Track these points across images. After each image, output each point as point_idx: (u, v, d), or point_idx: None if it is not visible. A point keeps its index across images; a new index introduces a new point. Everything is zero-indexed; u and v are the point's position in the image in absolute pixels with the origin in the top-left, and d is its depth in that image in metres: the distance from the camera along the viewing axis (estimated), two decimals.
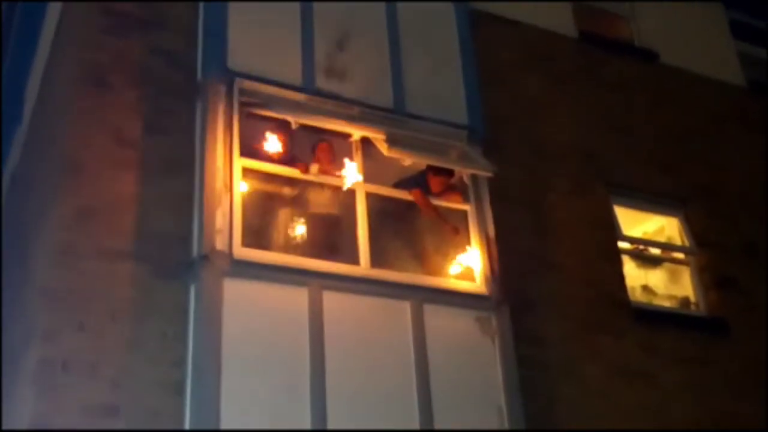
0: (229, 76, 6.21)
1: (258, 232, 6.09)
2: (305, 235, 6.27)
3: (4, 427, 6.09)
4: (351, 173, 6.34)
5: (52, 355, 5.26)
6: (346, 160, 6.43)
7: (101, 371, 5.32)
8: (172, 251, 5.80)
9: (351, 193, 6.35)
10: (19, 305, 6.76)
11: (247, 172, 6.06)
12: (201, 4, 6.65)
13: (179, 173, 6.04)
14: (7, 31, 9.25)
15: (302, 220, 6.29)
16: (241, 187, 5.96)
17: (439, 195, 6.73)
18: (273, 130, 6.41)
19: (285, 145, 6.44)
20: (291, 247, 6.14)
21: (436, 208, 6.64)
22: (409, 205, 6.62)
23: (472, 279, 6.48)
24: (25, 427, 5.14)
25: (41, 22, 8.66)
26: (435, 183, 6.72)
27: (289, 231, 6.23)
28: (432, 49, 7.31)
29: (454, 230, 6.59)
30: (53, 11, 8.02)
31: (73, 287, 5.47)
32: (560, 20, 8.91)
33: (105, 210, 5.76)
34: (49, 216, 5.93)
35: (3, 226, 9.28)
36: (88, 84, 6.14)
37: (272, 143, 6.31)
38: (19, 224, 7.98)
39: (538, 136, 7.98)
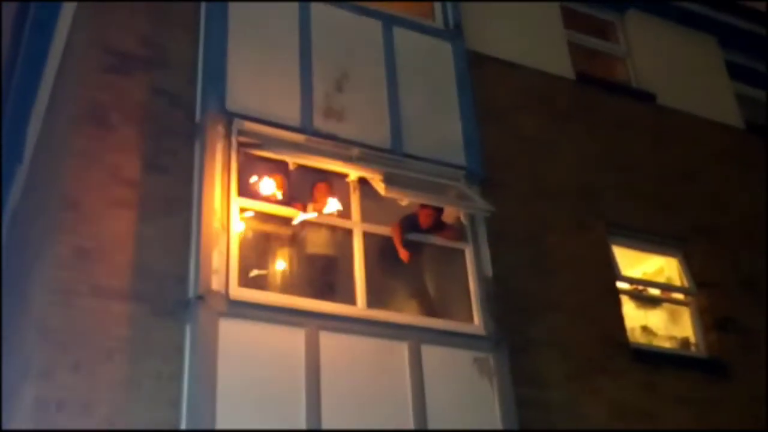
0: (228, 117, 6.26)
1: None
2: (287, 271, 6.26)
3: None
4: (331, 205, 6.35)
5: (47, 394, 5.23)
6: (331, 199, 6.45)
7: (96, 411, 5.29)
8: (169, 290, 5.79)
9: (348, 233, 6.36)
10: (17, 342, 6.74)
11: (244, 212, 6.07)
12: (201, 44, 6.72)
13: (177, 212, 6.06)
14: (10, 69, 9.33)
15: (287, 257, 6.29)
16: (239, 226, 5.97)
17: (429, 229, 6.70)
18: (271, 171, 6.44)
19: (283, 185, 6.47)
20: (288, 287, 6.13)
21: (400, 242, 6.56)
22: (407, 245, 6.62)
23: (470, 319, 6.46)
24: None
25: (44, 59, 8.74)
26: (423, 216, 6.72)
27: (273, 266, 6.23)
28: (430, 89, 7.38)
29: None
30: (56, 49, 8.11)
31: (69, 325, 5.46)
32: (557, 61, 8.98)
33: (102, 248, 5.77)
34: (46, 254, 5.94)
35: (3, 263, 9.28)
36: (87, 122, 6.19)
37: (266, 186, 6.32)
38: (18, 262, 7.98)
39: (536, 176, 8.00)
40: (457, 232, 6.82)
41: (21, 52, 9.10)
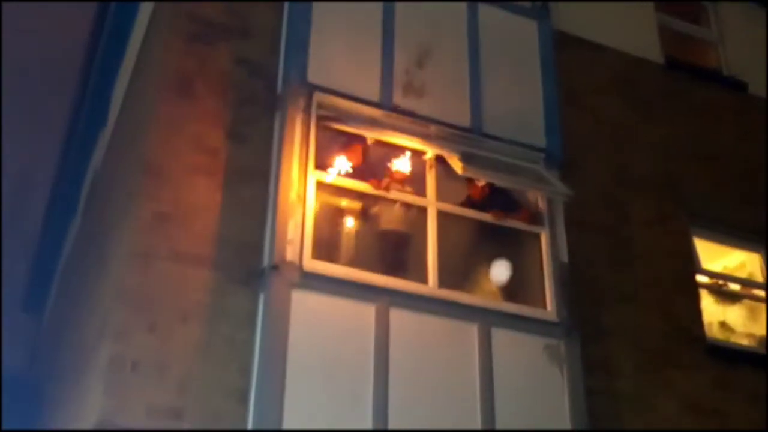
0: (309, 89, 6.26)
1: (328, 245, 6.10)
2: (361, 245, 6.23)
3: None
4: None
5: (122, 353, 5.35)
6: None
7: (169, 373, 5.40)
8: (245, 259, 5.85)
9: (422, 210, 6.32)
10: (92, 303, 6.92)
11: (320, 185, 6.09)
12: (285, 14, 6.73)
13: (256, 182, 6.11)
14: (98, 35, 9.51)
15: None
16: (314, 199, 5.99)
17: (480, 201, 6.59)
18: (349, 144, 6.43)
19: (361, 159, 6.45)
20: (360, 261, 6.12)
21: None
22: (482, 226, 6.55)
23: (543, 305, 6.36)
24: (92, 423, 5.24)
25: (131, 26, 8.89)
26: (473, 189, 6.63)
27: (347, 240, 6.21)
28: (513, 68, 7.25)
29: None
30: (143, 16, 8.23)
31: (147, 288, 5.57)
32: (646, 45, 8.73)
33: (182, 215, 5.85)
34: (127, 217, 6.06)
35: (84, 226, 9.53)
36: (171, 90, 6.27)
37: (342, 162, 6.29)
38: (98, 224, 8.19)
39: (618, 162, 7.82)
40: (533, 214, 6.70)
41: (108, 18, 9.26)
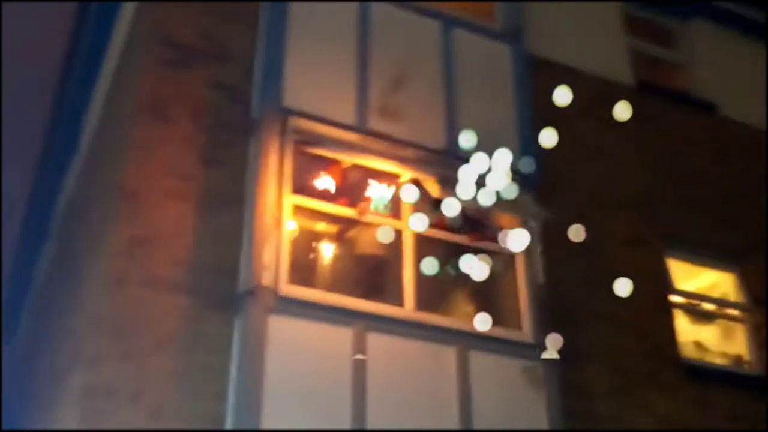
0: (284, 114, 6.27)
1: (304, 269, 6.09)
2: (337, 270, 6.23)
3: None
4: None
5: (95, 381, 5.29)
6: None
7: (143, 400, 5.34)
8: (220, 284, 5.82)
9: (398, 233, 6.33)
10: (66, 329, 6.84)
11: (296, 209, 6.08)
12: (260, 39, 6.74)
13: (231, 207, 6.09)
14: (71, 60, 9.47)
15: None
16: (291, 225, 5.97)
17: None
18: (326, 169, 6.43)
19: (337, 183, 6.46)
20: (337, 286, 6.11)
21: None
22: (457, 248, 6.56)
23: (519, 327, 6.37)
24: None
25: (105, 51, 8.86)
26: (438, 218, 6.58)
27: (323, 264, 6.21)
28: (487, 92, 7.30)
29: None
30: (117, 41, 8.21)
31: (121, 315, 5.52)
32: (617, 68, 8.83)
33: (157, 239, 5.82)
34: (101, 244, 6.01)
35: (58, 251, 9.43)
36: (147, 114, 6.25)
37: (324, 181, 6.30)
38: (71, 250, 8.11)
39: (593, 184, 7.87)
40: (495, 236, 6.68)
41: (82, 43, 9.22)
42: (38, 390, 7.99)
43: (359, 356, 5.57)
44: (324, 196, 6.45)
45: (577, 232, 5.36)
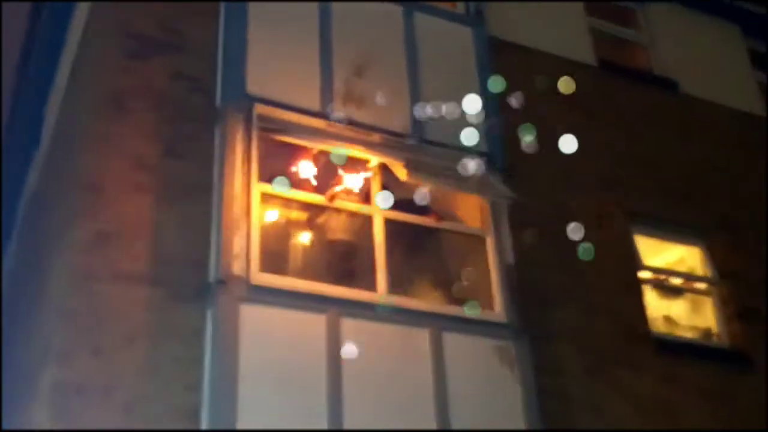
0: (248, 102, 6.21)
1: (275, 257, 6.05)
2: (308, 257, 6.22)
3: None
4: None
5: (66, 378, 5.22)
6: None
7: (115, 395, 5.27)
8: (189, 276, 5.76)
9: (368, 218, 6.31)
10: (34, 326, 6.72)
11: (264, 197, 6.03)
12: (221, 28, 6.67)
13: (198, 198, 6.02)
14: (27, 53, 9.31)
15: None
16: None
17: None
18: (296, 156, 6.41)
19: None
20: (309, 272, 6.09)
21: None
22: (428, 231, 6.57)
23: (491, 307, 6.40)
24: None
25: (62, 44, 8.71)
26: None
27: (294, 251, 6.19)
28: (451, 75, 7.29)
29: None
30: (74, 32, 8.07)
31: (90, 310, 5.44)
32: (579, 48, 8.89)
33: (123, 233, 5.74)
34: (66, 238, 5.91)
35: (20, 248, 9.28)
36: (108, 107, 6.16)
37: (305, 168, 6.25)
38: (35, 245, 7.97)
39: (558, 165, 7.88)
40: (437, 214, 6.70)
41: (38, 38, 9.07)
42: (9, 389, 7.86)
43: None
44: (293, 183, 6.44)
45: (575, 230, 5.40)
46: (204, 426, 5.27)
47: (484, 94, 7.25)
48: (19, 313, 7.57)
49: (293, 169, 6.26)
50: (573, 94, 8.41)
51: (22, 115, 9.86)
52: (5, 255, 11.05)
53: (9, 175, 10.54)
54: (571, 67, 8.63)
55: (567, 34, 8.95)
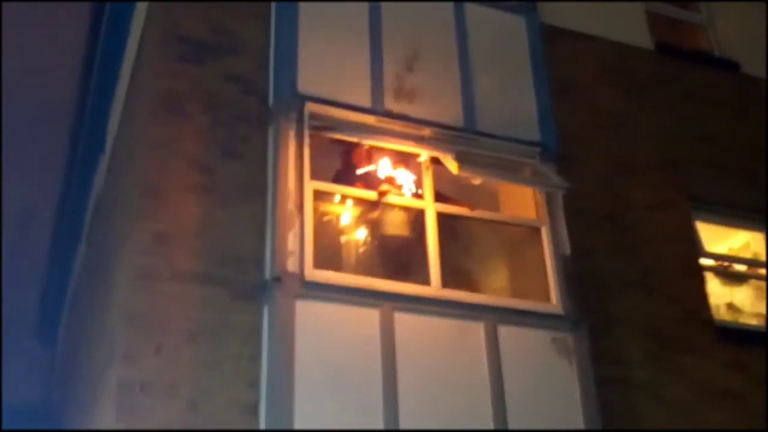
0: (300, 101, 6.28)
1: (329, 253, 6.12)
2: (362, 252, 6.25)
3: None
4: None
5: (131, 376, 5.37)
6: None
7: (179, 392, 5.40)
8: (247, 273, 5.87)
9: (421, 213, 6.34)
10: (100, 328, 6.95)
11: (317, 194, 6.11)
12: (272, 29, 6.76)
13: (253, 197, 6.12)
14: (90, 62, 9.56)
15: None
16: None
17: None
18: (346, 152, 6.47)
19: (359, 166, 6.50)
20: (363, 268, 6.14)
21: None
22: (480, 224, 6.56)
23: (547, 299, 6.36)
24: None
25: (122, 52, 8.94)
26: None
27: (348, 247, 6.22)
28: (503, 65, 7.26)
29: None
30: (133, 41, 8.28)
31: (152, 310, 5.58)
32: (635, 32, 8.74)
33: (181, 234, 5.87)
34: (128, 240, 6.09)
35: (89, 253, 9.55)
36: (164, 112, 6.29)
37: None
38: (102, 249, 8.23)
39: (616, 151, 7.82)
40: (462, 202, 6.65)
41: (99, 47, 9.31)
42: (80, 389, 8.14)
43: None
44: (345, 179, 6.50)
45: None
46: (262, 422, 5.36)
47: (536, 85, 7.22)
48: (85, 319, 7.82)
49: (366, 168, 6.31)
50: (630, 78, 8.32)
51: (86, 122, 10.13)
52: (74, 262, 11.41)
53: (77, 182, 10.87)
54: (627, 52, 8.52)
55: (623, 17, 8.80)
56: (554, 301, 6.34)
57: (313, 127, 6.25)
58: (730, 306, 7.75)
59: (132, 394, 5.32)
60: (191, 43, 6.57)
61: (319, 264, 5.81)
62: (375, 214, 6.42)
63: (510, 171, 6.66)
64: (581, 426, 5.90)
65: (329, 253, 6.18)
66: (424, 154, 6.55)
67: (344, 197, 6.41)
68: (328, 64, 6.61)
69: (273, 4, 6.88)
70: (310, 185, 6.05)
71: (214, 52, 6.60)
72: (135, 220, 5.99)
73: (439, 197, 6.46)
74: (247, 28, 6.80)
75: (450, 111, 6.82)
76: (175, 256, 5.79)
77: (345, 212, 6.44)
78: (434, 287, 6.02)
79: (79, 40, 9.73)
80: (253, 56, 6.70)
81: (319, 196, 6.15)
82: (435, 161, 6.56)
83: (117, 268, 6.48)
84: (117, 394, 5.33)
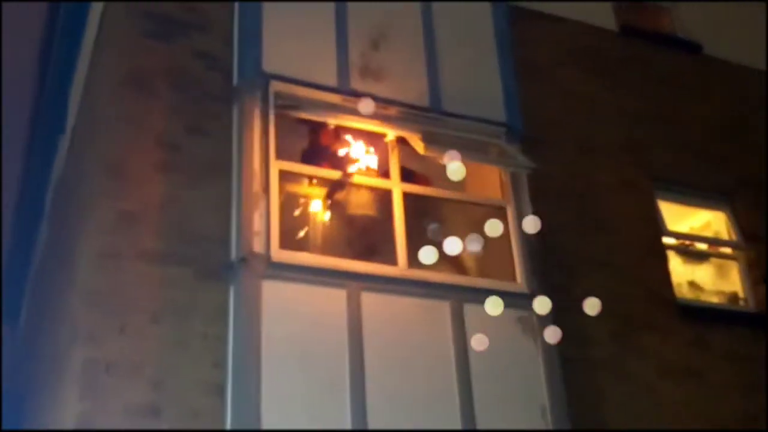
0: (265, 79, 6.24)
1: (295, 233, 6.11)
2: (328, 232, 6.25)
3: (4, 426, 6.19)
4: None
5: (95, 356, 5.32)
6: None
7: (143, 372, 5.37)
8: (212, 253, 5.83)
9: (387, 193, 6.34)
10: (62, 308, 6.87)
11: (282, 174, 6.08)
12: (237, 7, 6.68)
13: (219, 176, 6.08)
14: (50, 39, 9.40)
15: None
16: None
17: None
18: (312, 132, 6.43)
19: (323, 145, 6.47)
20: (329, 248, 6.13)
21: None
22: (446, 204, 6.58)
23: (513, 278, 6.41)
24: (70, 427, 5.21)
25: (82, 26, 8.79)
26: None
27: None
28: (469, 46, 7.25)
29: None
30: (94, 16, 8.13)
31: (115, 289, 5.53)
32: (600, 14, 8.78)
33: (146, 212, 5.81)
34: (90, 219, 6.01)
35: (49, 235, 9.42)
36: (128, 88, 6.20)
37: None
38: (62, 228, 8.12)
39: (580, 131, 7.88)
40: (426, 178, 6.68)
41: (59, 21, 9.14)
42: (43, 369, 8.05)
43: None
44: (312, 159, 6.47)
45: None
46: (229, 402, 5.35)
47: (502, 66, 7.23)
48: (48, 298, 7.72)
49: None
50: (595, 60, 8.37)
51: (46, 100, 9.97)
52: (36, 243, 11.25)
53: (37, 161, 10.70)
54: (592, 33, 8.57)
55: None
56: (519, 280, 6.39)
57: (278, 107, 6.21)
58: (692, 284, 7.87)
59: (96, 375, 5.27)
60: (158, 18, 6.48)
61: (284, 244, 5.79)
62: (341, 194, 6.40)
63: (476, 151, 6.67)
64: (545, 401, 5.96)
65: (295, 233, 6.15)
66: (390, 134, 6.54)
67: (311, 177, 6.38)
68: (294, 42, 6.56)
69: None
70: (276, 165, 6.02)
71: (181, 29, 6.53)
72: (98, 198, 5.91)
73: (405, 172, 6.45)
74: (214, 5, 6.73)
75: (416, 90, 6.82)
76: (139, 234, 5.74)
77: (311, 192, 6.41)
78: (401, 267, 6.03)
79: (39, 14, 9.56)
80: (221, 34, 6.65)
81: (284, 176, 6.11)
82: (401, 141, 6.55)
83: (80, 247, 6.40)
84: (81, 374, 5.29)
